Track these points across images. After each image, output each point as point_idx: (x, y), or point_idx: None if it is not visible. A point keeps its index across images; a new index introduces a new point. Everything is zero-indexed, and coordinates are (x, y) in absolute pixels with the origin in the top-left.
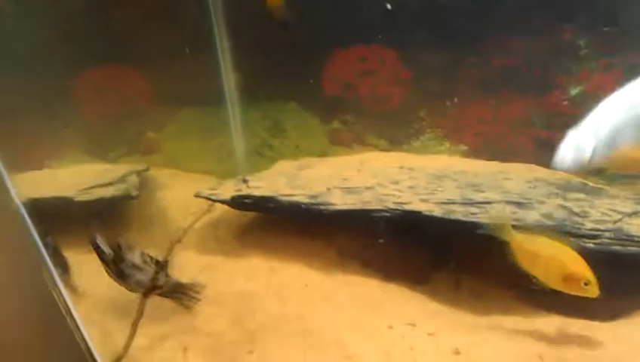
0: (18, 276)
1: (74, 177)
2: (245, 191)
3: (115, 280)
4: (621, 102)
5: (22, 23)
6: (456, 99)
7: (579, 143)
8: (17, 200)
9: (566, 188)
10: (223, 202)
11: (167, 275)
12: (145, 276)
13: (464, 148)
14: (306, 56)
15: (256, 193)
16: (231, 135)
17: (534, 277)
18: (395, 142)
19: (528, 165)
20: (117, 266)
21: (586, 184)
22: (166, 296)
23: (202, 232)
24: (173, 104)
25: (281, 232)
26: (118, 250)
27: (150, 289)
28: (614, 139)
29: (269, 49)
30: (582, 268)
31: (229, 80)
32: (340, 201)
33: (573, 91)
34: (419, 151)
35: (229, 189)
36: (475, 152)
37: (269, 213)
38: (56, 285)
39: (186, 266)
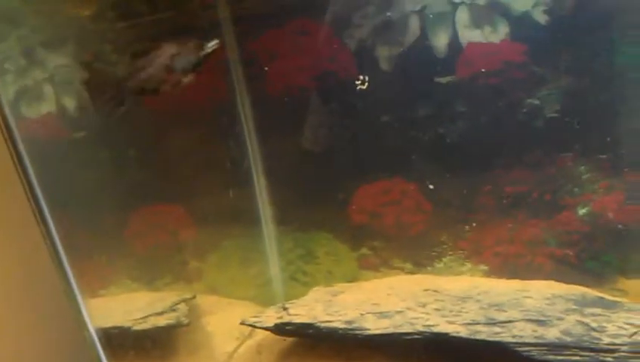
0: None
1: (127, 306)
2: (286, 319)
3: None
4: None
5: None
6: (474, 224)
7: None
8: (91, 329)
9: (583, 303)
10: (266, 329)
11: None
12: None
13: (484, 268)
14: (334, 189)
15: (297, 320)
16: (267, 263)
17: None
18: (420, 264)
19: (546, 282)
20: None
21: (602, 297)
22: None
23: (246, 356)
24: (214, 236)
25: (319, 355)
26: None
27: None
28: None
29: (301, 184)
30: None
31: (266, 213)
32: (374, 326)
33: (581, 211)
34: (442, 272)
35: (271, 317)
36: (495, 272)
37: (309, 337)
38: None
39: None
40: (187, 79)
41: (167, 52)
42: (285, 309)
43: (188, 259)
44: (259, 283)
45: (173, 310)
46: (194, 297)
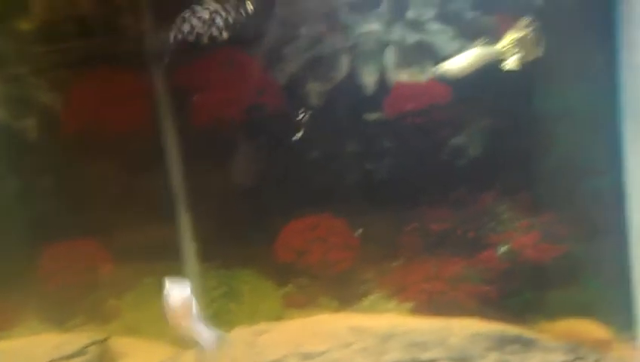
0: None
1: (31, 349)
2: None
3: None
4: None
5: None
6: (400, 261)
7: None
8: None
9: (503, 340)
10: None
11: None
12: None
13: (410, 305)
14: (260, 225)
15: None
16: None
17: None
18: (346, 302)
19: (469, 319)
20: None
21: (522, 335)
22: None
23: None
24: (133, 273)
25: None
26: None
27: None
28: None
29: (227, 219)
30: None
31: (189, 249)
32: None
33: (502, 249)
34: (368, 310)
35: (189, 359)
36: (420, 309)
37: None
38: None
39: None
40: (224, 36)
41: (209, 7)
42: (204, 352)
43: (104, 297)
44: None
45: (84, 353)
46: (108, 338)
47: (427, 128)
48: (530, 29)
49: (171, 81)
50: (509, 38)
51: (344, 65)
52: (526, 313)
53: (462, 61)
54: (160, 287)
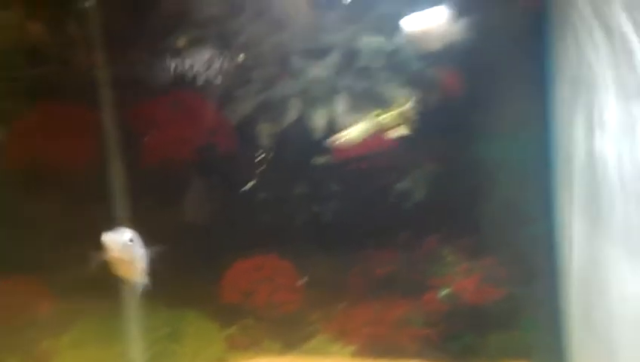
0: None
1: None
2: None
3: None
4: None
5: None
6: (345, 304)
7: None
8: None
9: None
10: None
11: None
12: None
13: (354, 348)
14: (206, 264)
15: None
16: (131, 343)
17: None
18: (290, 345)
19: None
20: None
21: None
22: None
23: None
24: (71, 312)
25: None
26: None
27: None
28: None
29: (171, 257)
30: None
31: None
32: None
33: (443, 292)
34: (312, 352)
35: None
36: (364, 352)
37: None
38: None
39: None
40: (218, 81)
41: (207, 52)
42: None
43: (39, 337)
44: None
45: None
46: None
47: (374, 172)
48: (408, 106)
49: (122, 119)
50: (391, 112)
51: (294, 108)
52: (466, 355)
53: (354, 132)
54: (100, 328)
